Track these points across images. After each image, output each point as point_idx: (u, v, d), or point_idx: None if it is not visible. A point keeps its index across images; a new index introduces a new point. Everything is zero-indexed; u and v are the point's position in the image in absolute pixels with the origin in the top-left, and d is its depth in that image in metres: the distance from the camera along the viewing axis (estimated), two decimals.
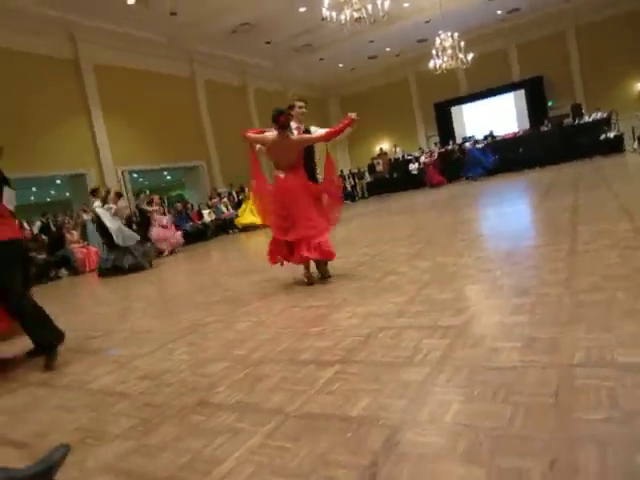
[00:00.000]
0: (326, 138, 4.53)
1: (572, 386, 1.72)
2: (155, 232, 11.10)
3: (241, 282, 5.45)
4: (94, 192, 9.36)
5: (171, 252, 11.29)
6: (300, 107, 4.95)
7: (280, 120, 4.29)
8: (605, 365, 1.83)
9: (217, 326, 3.62)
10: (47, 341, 3.38)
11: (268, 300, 4.18)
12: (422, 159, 18.43)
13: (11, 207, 3.52)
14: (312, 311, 3.48)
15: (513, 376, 1.88)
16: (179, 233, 12.10)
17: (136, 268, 8.65)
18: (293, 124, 4.66)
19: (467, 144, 17.73)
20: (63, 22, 12.13)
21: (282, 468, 1.56)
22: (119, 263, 8.59)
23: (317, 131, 4.81)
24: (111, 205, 8.91)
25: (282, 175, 4.40)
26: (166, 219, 11.69)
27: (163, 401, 2.34)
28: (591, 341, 2.06)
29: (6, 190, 3.44)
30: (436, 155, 18.21)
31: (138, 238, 9.12)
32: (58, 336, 3.44)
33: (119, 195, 9.63)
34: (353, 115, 4.38)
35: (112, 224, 8.72)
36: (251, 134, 4.55)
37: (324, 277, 4.49)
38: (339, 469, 1.49)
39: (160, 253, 10.83)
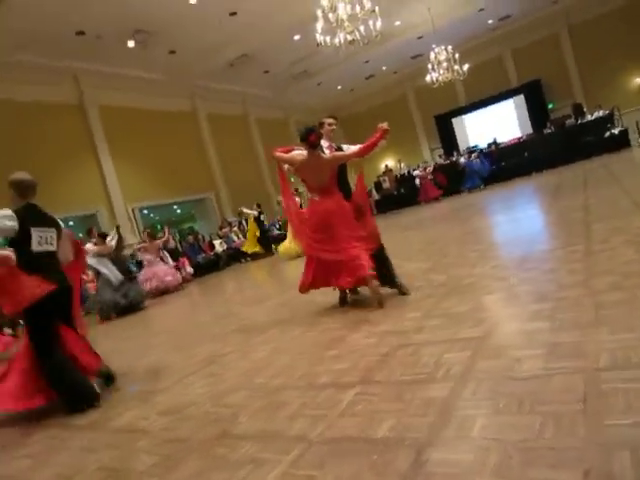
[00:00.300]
0: (360, 154, 4.25)
1: (600, 391, 1.67)
2: (143, 272, 10.47)
3: (256, 310, 5.43)
4: (89, 232, 9.24)
5: (174, 289, 10.53)
6: (330, 124, 4.71)
7: (310, 139, 4.04)
8: (632, 367, 1.78)
9: (234, 356, 3.60)
10: (68, 403, 3.22)
11: (283, 326, 4.15)
12: (415, 173, 18.38)
13: (50, 248, 3.35)
14: (327, 334, 3.45)
15: (538, 385, 1.83)
16: (186, 268, 12.11)
17: (130, 308, 8.51)
18: (324, 142, 4.43)
19: (462, 159, 17.89)
20: (67, 69, 12.49)
21: None
22: (118, 302, 8.46)
23: (349, 148, 4.57)
24: (89, 247, 8.46)
25: (317, 198, 4.15)
26: (160, 255, 10.82)
27: (185, 435, 2.31)
28: (615, 342, 2.01)
29: (35, 232, 3.25)
30: (431, 168, 18.20)
31: (121, 277, 8.70)
32: (80, 398, 3.20)
33: (103, 236, 9.11)
34: (384, 125, 4.16)
35: (103, 267, 8.51)
36: (279, 153, 4.32)
37: (402, 292, 3.97)
38: None
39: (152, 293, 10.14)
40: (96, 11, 10.31)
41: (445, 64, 15.96)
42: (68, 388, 3.21)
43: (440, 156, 21.12)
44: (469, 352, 2.35)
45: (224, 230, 15.03)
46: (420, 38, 17.44)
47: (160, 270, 10.48)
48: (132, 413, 2.88)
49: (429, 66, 16.10)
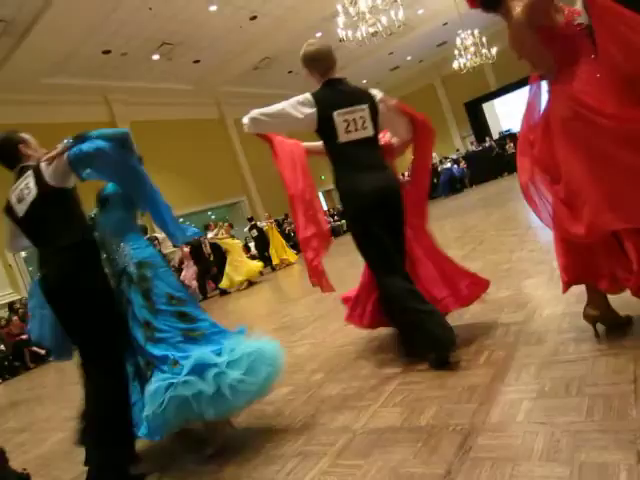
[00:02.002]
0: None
1: None
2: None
3: (295, 307, 5.49)
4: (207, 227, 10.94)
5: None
6: None
7: None
8: None
9: None
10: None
11: (323, 320, 4.18)
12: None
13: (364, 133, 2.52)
14: None
15: (585, 367, 1.79)
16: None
17: None
18: None
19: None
20: (97, 88, 12.89)
21: None
22: None
23: None
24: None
25: None
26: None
27: (231, 433, 2.37)
28: None
29: (339, 116, 2.49)
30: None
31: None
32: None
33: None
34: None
35: None
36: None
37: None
38: None
39: None
40: (120, 29, 10.60)
41: (472, 49, 15.58)
42: (412, 332, 2.43)
43: (472, 143, 20.68)
44: (511, 337, 2.31)
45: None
46: (445, 25, 17.10)
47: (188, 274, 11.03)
48: None
49: (456, 52, 15.77)
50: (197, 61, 13.60)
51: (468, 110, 22.02)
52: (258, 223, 13.21)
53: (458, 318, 2.89)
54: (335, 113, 2.47)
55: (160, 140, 14.42)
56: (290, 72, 17.12)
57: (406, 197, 2.62)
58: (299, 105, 2.52)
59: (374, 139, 2.58)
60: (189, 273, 10.91)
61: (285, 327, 4.50)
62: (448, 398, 1.91)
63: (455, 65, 15.88)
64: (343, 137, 2.48)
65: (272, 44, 14.13)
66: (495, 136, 19.75)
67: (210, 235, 10.93)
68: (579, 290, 2.61)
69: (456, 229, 7.66)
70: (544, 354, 2.01)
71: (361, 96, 2.61)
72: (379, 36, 10.16)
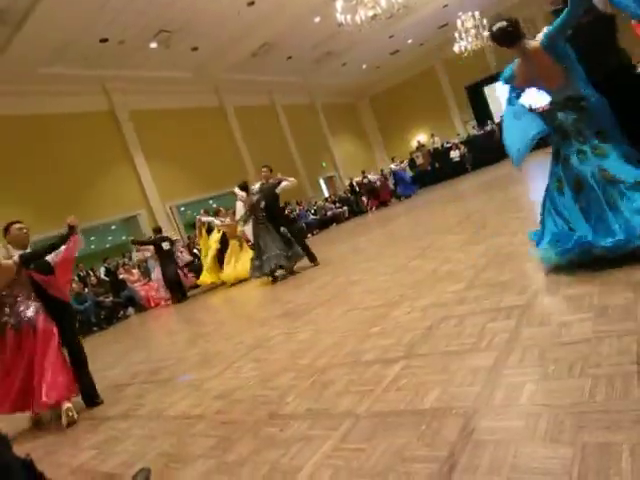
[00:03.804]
0: None
1: None
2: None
3: (297, 294, 5.49)
4: (217, 213, 10.31)
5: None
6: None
7: None
8: None
9: (280, 339, 3.66)
10: None
11: (326, 307, 4.19)
12: (370, 177, 17.70)
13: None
14: (370, 311, 3.46)
15: (588, 348, 1.78)
16: None
17: None
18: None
19: (392, 165, 18.00)
20: (95, 78, 12.79)
21: (359, 469, 1.55)
22: None
23: None
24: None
25: None
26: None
27: (237, 418, 2.39)
28: None
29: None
30: (405, 164, 17.88)
31: None
32: None
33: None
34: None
35: None
36: None
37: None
38: (417, 464, 1.47)
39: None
40: (117, 17, 10.48)
41: (473, 31, 15.42)
42: None
43: (474, 127, 20.52)
44: (513, 320, 2.31)
45: None
46: (445, 7, 16.86)
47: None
48: (186, 401, 2.99)
49: (456, 35, 15.60)
50: (195, 48, 13.47)
51: (469, 93, 21.82)
52: (216, 220, 12.28)
53: (460, 302, 2.89)
54: None
55: (160, 129, 14.35)
56: (289, 58, 16.96)
57: None
58: None
59: None
60: (158, 274, 10.07)
61: (288, 314, 4.51)
62: (451, 381, 1.92)
63: (456, 48, 15.75)
64: None
65: (271, 30, 13.97)
66: (497, 119, 19.58)
67: (217, 222, 10.35)
68: (580, 272, 2.62)
69: (458, 213, 7.64)
70: (547, 336, 2.01)
71: None
72: (378, 19, 10.05)
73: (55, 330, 3.62)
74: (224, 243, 9.78)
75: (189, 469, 2.02)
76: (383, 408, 1.91)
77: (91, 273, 11.78)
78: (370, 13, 9.64)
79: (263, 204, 7.16)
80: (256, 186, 7.41)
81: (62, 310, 3.81)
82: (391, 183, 17.72)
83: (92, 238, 18.82)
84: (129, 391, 3.82)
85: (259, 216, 7.16)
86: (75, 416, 3.40)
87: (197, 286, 10.47)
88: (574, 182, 2.70)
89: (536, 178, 9.49)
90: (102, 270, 11.72)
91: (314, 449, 1.78)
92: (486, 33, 15.32)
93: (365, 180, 17.54)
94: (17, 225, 3.84)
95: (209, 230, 10.21)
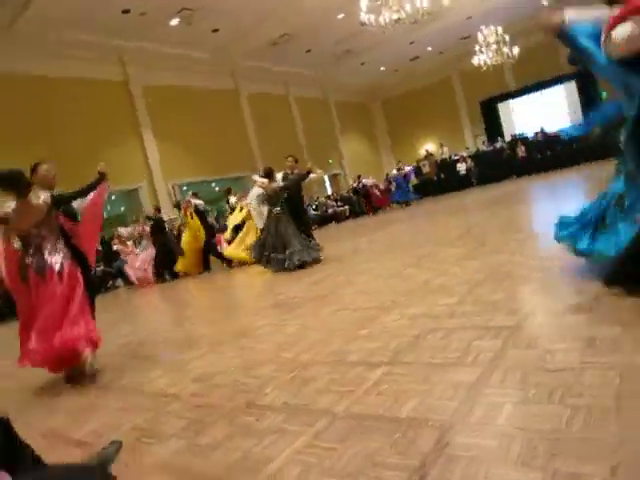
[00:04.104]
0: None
1: (636, 389, 1.62)
2: None
3: (290, 287, 5.50)
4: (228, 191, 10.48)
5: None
6: None
7: None
8: None
9: (268, 330, 3.66)
10: None
11: (317, 303, 4.19)
12: (365, 181, 17.76)
13: None
14: (360, 313, 3.46)
15: (570, 377, 1.79)
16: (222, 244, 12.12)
17: None
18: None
19: (394, 171, 18.05)
20: (114, 48, 12.75)
21: (330, 469, 1.55)
22: None
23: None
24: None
25: None
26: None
27: (214, 402, 2.39)
28: None
29: None
30: (407, 171, 17.83)
31: None
32: None
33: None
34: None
35: None
36: None
37: None
38: (387, 470, 1.47)
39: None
40: None
41: (494, 46, 15.40)
42: None
43: (483, 142, 20.54)
44: (501, 340, 2.31)
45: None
46: (469, 18, 16.83)
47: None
48: (165, 380, 2.99)
49: (477, 48, 15.58)
50: (216, 30, 13.42)
51: (483, 108, 21.81)
52: (231, 198, 11.17)
53: (450, 315, 2.90)
54: None
55: (171, 106, 14.30)
56: (308, 51, 16.90)
57: None
58: None
59: None
60: (146, 255, 10.02)
61: (279, 305, 4.51)
62: (431, 393, 1.92)
63: (475, 61, 15.73)
64: None
65: (293, 20, 13.93)
66: (507, 138, 19.61)
67: (233, 200, 10.24)
68: (573, 301, 2.63)
69: (459, 226, 7.65)
70: (532, 360, 2.01)
71: None
72: (402, 23, 10.02)
73: (81, 278, 3.51)
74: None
75: (161, 446, 2.02)
76: (361, 411, 1.91)
77: None
78: (394, 16, 9.61)
79: (285, 194, 6.97)
80: (279, 175, 7.20)
81: (81, 266, 3.66)
82: (393, 187, 17.75)
83: None
84: (111, 362, 3.82)
85: (278, 206, 6.90)
86: (94, 367, 3.37)
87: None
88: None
89: (539, 200, 9.52)
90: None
91: (287, 443, 1.78)
92: (506, 50, 15.32)
93: (360, 185, 17.60)
94: (45, 166, 3.75)
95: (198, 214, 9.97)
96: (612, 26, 2.20)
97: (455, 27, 17.59)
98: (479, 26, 15.52)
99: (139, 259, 9.98)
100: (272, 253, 6.79)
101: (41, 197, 3.44)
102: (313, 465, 1.60)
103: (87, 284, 3.64)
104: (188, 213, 9.75)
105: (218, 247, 12.38)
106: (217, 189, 21.49)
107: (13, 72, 10.83)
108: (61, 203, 3.61)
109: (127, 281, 10.57)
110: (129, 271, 10.18)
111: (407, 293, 3.76)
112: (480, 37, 15.40)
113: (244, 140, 16.88)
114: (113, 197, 16.26)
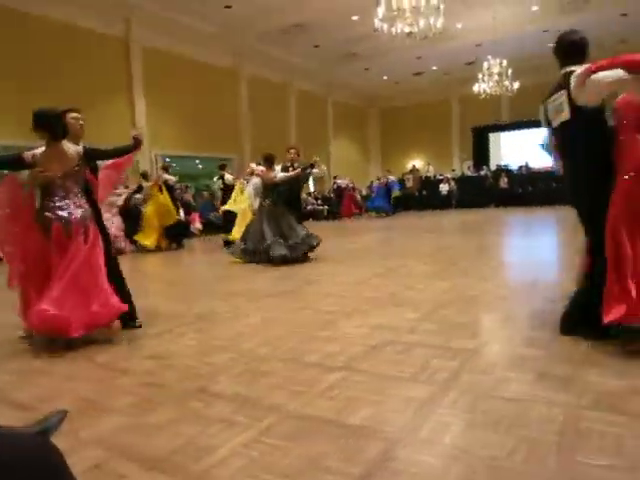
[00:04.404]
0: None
1: (578, 428, 1.67)
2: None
3: (258, 277, 5.47)
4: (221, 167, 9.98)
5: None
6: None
7: None
8: (613, 411, 1.77)
9: (229, 316, 3.63)
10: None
11: (283, 298, 4.18)
12: (339, 182, 17.74)
13: None
14: (323, 315, 3.46)
15: (519, 409, 1.83)
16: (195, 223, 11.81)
17: None
18: None
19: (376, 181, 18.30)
20: (122, 3, 12.45)
21: (272, 465, 1.55)
22: None
23: None
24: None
25: None
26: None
27: (165, 383, 2.35)
28: (603, 385, 1.99)
29: None
30: (390, 180, 17.88)
31: None
32: None
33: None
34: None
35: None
36: None
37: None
38: (329, 475, 1.47)
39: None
40: None
41: (496, 77, 15.64)
42: None
43: (469, 167, 20.87)
44: (457, 362, 2.35)
45: None
46: (478, 46, 17.05)
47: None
48: (117, 353, 2.93)
49: (480, 76, 15.80)
50: (229, 6, 13.21)
51: (474, 135, 22.16)
52: (227, 175, 10.21)
53: (411, 330, 2.93)
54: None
55: (168, 74, 14.01)
56: (317, 46, 16.84)
57: None
58: None
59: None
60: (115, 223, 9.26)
61: (242, 294, 4.48)
62: (384, 404, 1.94)
63: (475, 88, 15.92)
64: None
65: (308, 12, 13.85)
66: (493, 167, 19.99)
67: (229, 177, 9.81)
68: (532, 335, 2.69)
69: (432, 245, 7.74)
70: (484, 386, 2.05)
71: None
72: (413, 37, 10.07)
73: (102, 242, 3.25)
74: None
75: (104, 420, 1.97)
76: (311, 412, 1.91)
77: None
78: (407, 29, 9.65)
79: (283, 188, 6.52)
80: (277, 167, 6.74)
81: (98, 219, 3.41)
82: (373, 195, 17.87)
83: None
84: None
85: (269, 198, 6.50)
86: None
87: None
88: None
89: (515, 233, 9.72)
90: None
91: (233, 434, 1.77)
92: (507, 83, 15.59)
93: (335, 186, 17.64)
94: (72, 114, 3.51)
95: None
96: (593, 72, 2.38)
97: (463, 51, 17.78)
98: (486, 55, 15.73)
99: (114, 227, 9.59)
100: (250, 243, 6.47)
101: (71, 147, 3.20)
102: (255, 460, 1.59)
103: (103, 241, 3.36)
104: (157, 186, 9.40)
105: (191, 226, 12.31)
106: (200, 167, 21.23)
107: (5, 5, 10.42)
108: (93, 158, 3.35)
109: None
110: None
111: (371, 302, 3.78)
112: (485, 65, 15.61)
113: (235, 122, 16.68)
114: None
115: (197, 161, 19.19)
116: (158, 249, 9.29)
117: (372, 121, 24.87)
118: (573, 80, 2.46)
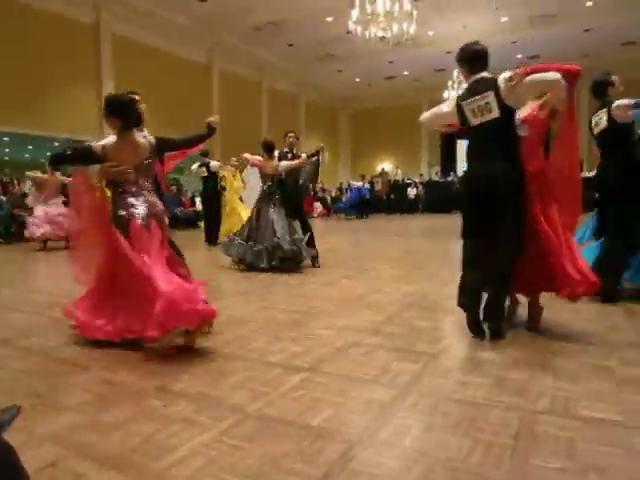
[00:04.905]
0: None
1: (533, 431, 1.73)
2: None
3: (222, 274, 5.41)
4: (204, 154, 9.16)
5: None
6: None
7: None
8: (567, 416, 1.84)
9: None
10: None
11: (247, 297, 4.15)
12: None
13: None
14: (288, 315, 3.46)
15: (477, 412, 1.88)
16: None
17: None
18: None
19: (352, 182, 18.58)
20: None
21: (232, 466, 1.53)
22: None
23: None
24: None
25: None
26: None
27: (123, 380, 2.30)
28: (558, 390, 2.07)
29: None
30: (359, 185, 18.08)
31: None
32: None
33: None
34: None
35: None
36: None
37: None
38: (290, 476, 1.47)
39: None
40: None
41: (465, 85, 16.04)
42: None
43: (437, 173, 21.25)
44: (419, 365, 2.39)
45: None
46: (448, 53, 17.37)
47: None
48: (76, 347, 2.84)
49: (449, 83, 16.13)
50: (204, 0, 13.03)
51: (443, 141, 22.55)
52: (213, 162, 9.25)
53: (375, 332, 2.96)
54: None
55: (138, 64, 13.70)
56: (291, 45, 16.81)
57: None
58: None
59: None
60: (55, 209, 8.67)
61: (207, 291, 4.42)
62: (345, 406, 1.95)
63: (445, 94, 16.23)
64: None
65: (283, 11, 13.81)
66: (460, 173, 20.43)
67: (215, 164, 8.95)
68: (492, 340, 2.76)
69: (400, 249, 7.84)
70: (444, 390, 2.10)
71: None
72: (386, 42, 10.19)
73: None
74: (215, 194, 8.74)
75: (58, 417, 1.91)
76: (273, 413, 1.91)
77: (16, 183, 11.02)
78: (380, 33, 9.76)
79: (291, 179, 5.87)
80: (275, 153, 5.94)
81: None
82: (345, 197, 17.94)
83: (30, 147, 17.59)
84: (17, 318, 3.59)
85: (275, 191, 5.72)
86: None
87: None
88: None
89: None
90: (28, 184, 11.00)
91: (193, 434, 1.74)
92: None
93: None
94: (136, 97, 3.32)
95: None
96: (528, 74, 2.70)
97: (433, 58, 18.10)
98: (456, 63, 16.10)
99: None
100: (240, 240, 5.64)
101: (142, 137, 2.97)
102: (215, 460, 1.57)
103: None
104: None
105: None
106: None
107: None
108: (165, 148, 3.13)
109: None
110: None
111: (338, 303, 3.80)
112: (455, 73, 15.96)
113: (206, 118, 16.42)
114: (56, 144, 15.38)
115: None
116: None
117: (343, 122, 25.01)
118: (503, 81, 2.76)
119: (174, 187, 14.57)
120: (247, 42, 16.32)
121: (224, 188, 8.87)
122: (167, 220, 3.07)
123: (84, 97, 12.61)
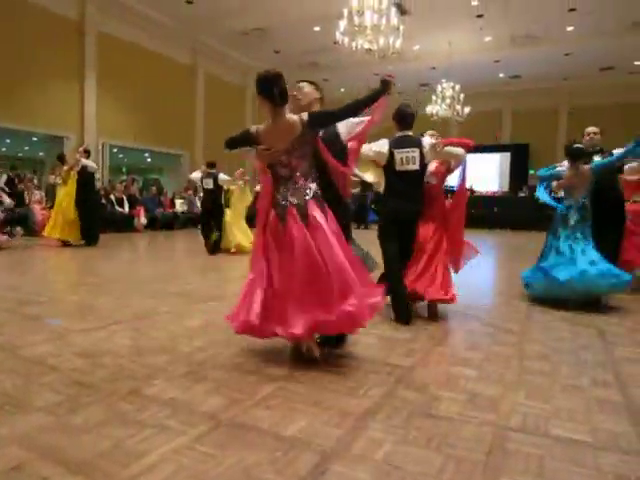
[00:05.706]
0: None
1: (504, 448, 1.75)
2: None
3: (201, 278, 5.36)
4: (60, 158, 8.70)
5: None
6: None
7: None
8: (538, 434, 1.87)
9: (168, 317, 3.53)
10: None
11: (225, 302, 4.11)
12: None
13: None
14: None
15: (450, 427, 1.89)
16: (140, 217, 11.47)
17: None
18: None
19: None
20: None
21: (203, 474, 1.51)
22: None
23: None
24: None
25: None
26: None
27: (95, 382, 2.25)
28: (530, 408, 2.10)
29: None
30: None
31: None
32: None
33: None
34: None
35: None
36: None
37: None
38: None
39: None
40: None
41: (448, 101, 16.26)
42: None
43: None
44: (393, 378, 2.40)
45: (188, 192, 14.71)
46: (433, 69, 17.69)
47: None
48: (46, 347, 2.78)
49: (434, 98, 16.37)
50: (190, 2, 12.98)
51: None
52: (222, 175, 8.18)
53: (353, 344, 2.97)
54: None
55: (122, 63, 13.55)
56: (277, 52, 16.85)
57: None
58: None
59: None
60: None
61: (184, 295, 4.37)
62: (319, 417, 1.94)
63: (428, 109, 16.45)
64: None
65: (271, 18, 13.83)
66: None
67: (224, 177, 8.07)
68: (466, 355, 2.80)
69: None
70: (418, 404, 2.11)
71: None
72: (372, 54, 10.29)
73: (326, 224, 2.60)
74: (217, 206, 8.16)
75: (25, 418, 1.86)
76: (247, 421, 1.89)
77: None
78: (367, 45, 9.86)
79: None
80: None
81: (335, 205, 2.76)
82: None
83: (7, 140, 17.19)
84: None
85: None
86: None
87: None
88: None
89: None
90: (4, 178, 10.74)
91: (165, 440, 1.72)
92: (458, 107, 16.24)
93: None
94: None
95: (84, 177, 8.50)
96: (447, 145, 3.79)
97: (418, 73, 18.37)
98: (440, 78, 16.34)
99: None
100: None
101: (293, 116, 2.69)
102: (186, 467, 1.55)
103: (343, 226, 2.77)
104: (72, 173, 8.42)
105: (135, 219, 11.91)
106: (149, 160, 20.58)
107: None
108: (318, 124, 2.71)
109: (28, 230, 9.76)
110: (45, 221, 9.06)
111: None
112: (439, 89, 16.20)
113: (190, 119, 16.34)
114: (35, 139, 15.06)
115: (146, 154, 18.62)
116: (65, 244, 8.40)
117: None
118: (427, 145, 3.68)
119: (154, 188, 14.37)
120: (233, 46, 16.31)
121: (227, 205, 8.37)
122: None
123: (68, 93, 12.40)
